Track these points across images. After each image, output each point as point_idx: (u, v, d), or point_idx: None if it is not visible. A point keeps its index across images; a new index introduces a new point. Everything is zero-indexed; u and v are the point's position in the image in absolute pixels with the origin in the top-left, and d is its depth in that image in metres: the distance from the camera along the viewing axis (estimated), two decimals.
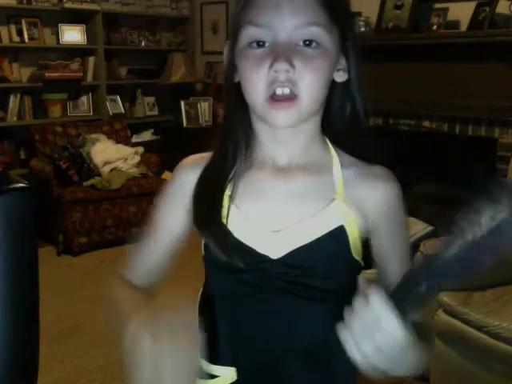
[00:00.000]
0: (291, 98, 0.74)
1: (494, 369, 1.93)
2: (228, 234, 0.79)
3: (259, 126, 0.82)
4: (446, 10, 3.32)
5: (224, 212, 0.80)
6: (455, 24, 3.31)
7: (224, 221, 0.79)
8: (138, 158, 4.28)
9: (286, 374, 0.81)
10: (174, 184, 0.87)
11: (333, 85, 0.80)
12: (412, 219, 2.80)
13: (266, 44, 0.75)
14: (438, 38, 3.26)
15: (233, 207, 0.80)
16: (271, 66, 0.73)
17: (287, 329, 0.80)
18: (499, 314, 1.93)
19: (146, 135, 5.03)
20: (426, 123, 3.44)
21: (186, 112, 4.94)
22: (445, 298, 2.05)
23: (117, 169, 4.11)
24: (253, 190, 0.82)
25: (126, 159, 4.20)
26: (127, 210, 4.02)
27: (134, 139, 4.79)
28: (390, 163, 0.81)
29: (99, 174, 4.02)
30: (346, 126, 0.83)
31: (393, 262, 0.83)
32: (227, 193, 0.81)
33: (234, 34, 0.79)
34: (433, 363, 2.13)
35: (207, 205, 0.81)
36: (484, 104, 3.05)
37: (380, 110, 3.59)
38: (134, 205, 4.02)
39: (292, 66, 0.73)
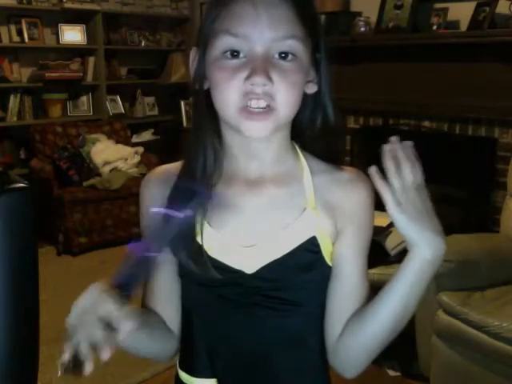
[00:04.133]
0: (267, 111, 0.73)
1: (494, 369, 1.93)
2: (203, 253, 0.78)
3: (231, 138, 0.80)
4: (446, 9, 3.32)
5: (197, 229, 0.78)
6: (455, 24, 3.31)
7: (199, 239, 0.78)
8: (137, 158, 4.28)
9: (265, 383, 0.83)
10: (146, 204, 0.85)
11: (303, 95, 0.79)
12: None
13: (241, 55, 0.73)
14: (437, 38, 3.25)
15: (205, 224, 0.79)
16: (248, 78, 0.71)
17: (264, 340, 0.81)
18: (499, 314, 1.93)
19: (146, 135, 5.04)
20: (426, 123, 3.43)
21: (186, 112, 4.94)
22: (445, 297, 2.05)
23: (117, 169, 4.11)
24: None
25: (126, 159, 4.20)
26: (127, 210, 4.02)
27: (134, 139, 4.80)
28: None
29: (99, 174, 4.02)
30: (316, 134, 0.83)
31: (350, 261, 0.81)
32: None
33: (205, 42, 0.76)
34: (433, 363, 2.13)
35: None
36: (484, 104, 3.04)
37: (380, 110, 3.59)
38: (133, 205, 4.01)
39: (269, 79, 0.71)
